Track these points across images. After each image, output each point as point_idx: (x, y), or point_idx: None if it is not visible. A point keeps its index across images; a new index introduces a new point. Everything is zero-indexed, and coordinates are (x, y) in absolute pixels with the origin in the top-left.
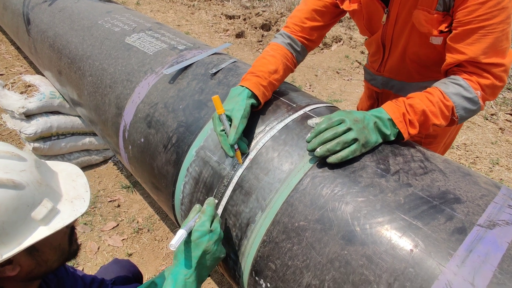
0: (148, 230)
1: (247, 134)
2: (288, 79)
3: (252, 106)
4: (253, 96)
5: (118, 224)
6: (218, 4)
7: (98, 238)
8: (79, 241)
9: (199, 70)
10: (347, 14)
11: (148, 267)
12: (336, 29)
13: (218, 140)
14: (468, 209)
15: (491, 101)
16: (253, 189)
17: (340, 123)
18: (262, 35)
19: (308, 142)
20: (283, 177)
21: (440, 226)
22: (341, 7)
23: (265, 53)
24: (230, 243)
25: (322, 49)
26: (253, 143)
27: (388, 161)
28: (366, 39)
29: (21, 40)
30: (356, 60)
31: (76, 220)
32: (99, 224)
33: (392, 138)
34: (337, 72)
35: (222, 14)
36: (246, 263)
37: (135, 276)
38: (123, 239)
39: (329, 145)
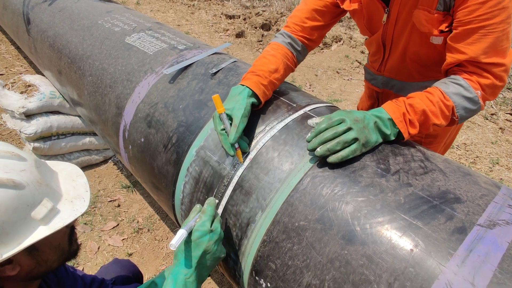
0: (148, 230)
1: (247, 133)
2: (288, 79)
3: (253, 105)
4: (254, 95)
5: (118, 224)
6: (218, 4)
7: (98, 238)
8: (79, 241)
9: (199, 70)
10: (347, 14)
11: (148, 267)
12: (336, 29)
13: (218, 139)
14: (468, 208)
15: (491, 101)
16: (253, 189)
17: (340, 123)
18: (262, 35)
19: (308, 141)
20: (283, 177)
21: (440, 225)
22: (341, 6)
23: (265, 52)
24: (230, 243)
25: (322, 49)
26: (253, 143)
27: (388, 160)
28: (366, 38)
29: (21, 39)
30: (356, 60)
31: (76, 220)
32: (99, 224)
33: (392, 138)
34: (337, 72)
35: (222, 14)
36: (246, 263)
37: (135, 276)
38: (123, 239)
39: (329, 145)
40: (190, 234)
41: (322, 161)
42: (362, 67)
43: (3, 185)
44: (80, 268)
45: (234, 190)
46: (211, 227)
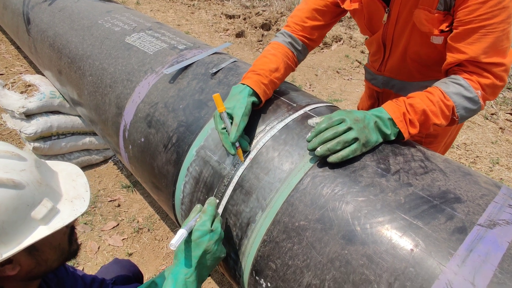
0: (149, 230)
1: (248, 133)
2: (288, 79)
3: (253, 104)
4: (254, 94)
5: (118, 224)
6: (218, 4)
7: (99, 238)
8: (79, 240)
9: (199, 69)
10: (348, 14)
11: (148, 267)
12: (336, 29)
13: (218, 139)
14: (469, 208)
15: (491, 101)
16: (253, 188)
17: (340, 123)
18: (262, 35)
19: (309, 141)
20: (284, 177)
21: (441, 225)
22: (342, 6)
23: (266, 51)
24: (230, 242)
25: (322, 48)
26: (253, 143)
27: (388, 160)
28: (366, 38)
29: (21, 39)
30: (356, 60)
31: (76, 220)
32: (99, 224)
33: (393, 137)
34: (337, 71)
35: (222, 13)
36: (247, 263)
37: (136, 276)
38: (123, 239)
39: (329, 145)
40: (190, 234)
41: (322, 161)
42: (362, 67)
43: (3, 185)
44: (80, 268)
45: (234, 190)
46: (211, 227)
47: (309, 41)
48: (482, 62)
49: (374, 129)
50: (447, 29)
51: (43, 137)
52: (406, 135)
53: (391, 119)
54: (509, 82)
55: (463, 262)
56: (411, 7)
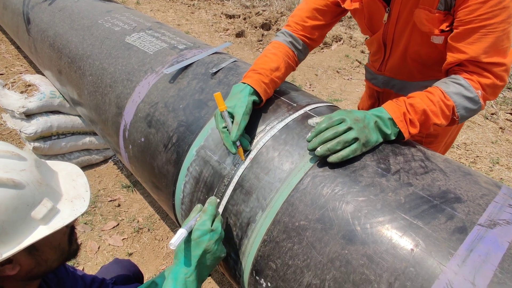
0: (149, 230)
1: (248, 133)
2: (288, 79)
3: (254, 103)
4: (255, 93)
5: (118, 224)
6: (218, 4)
7: (99, 238)
8: (79, 240)
9: (199, 69)
10: (348, 13)
11: (148, 267)
12: (336, 29)
13: (218, 139)
14: (469, 208)
15: (491, 101)
16: (253, 188)
17: (340, 123)
18: (262, 35)
19: (309, 141)
20: (284, 177)
21: (441, 225)
22: (342, 6)
23: (266, 51)
24: (230, 242)
25: (322, 48)
26: (253, 143)
27: (388, 160)
28: (367, 38)
29: (21, 39)
30: (356, 60)
31: (76, 219)
32: (99, 224)
33: (393, 137)
34: (337, 71)
35: (222, 13)
36: (247, 263)
37: (136, 275)
38: (124, 239)
39: (329, 145)
40: (190, 233)
41: (322, 161)
42: (362, 66)
43: (3, 184)
44: (80, 267)
45: (234, 189)
46: (211, 226)
47: (309, 41)
48: (482, 62)
49: (374, 129)
50: (448, 29)
51: (43, 137)
52: (406, 135)
53: (391, 119)
54: (509, 82)
55: (463, 262)
56: (411, 6)
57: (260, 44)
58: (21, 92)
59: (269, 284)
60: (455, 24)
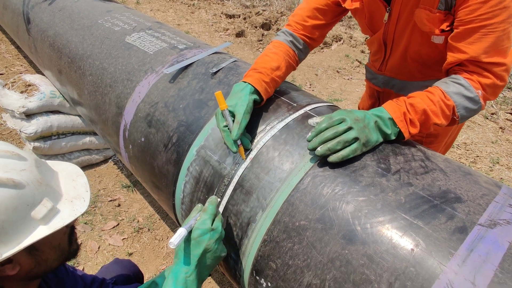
0: (149, 230)
1: (248, 132)
2: (288, 78)
3: (255, 102)
4: (256, 92)
5: (118, 224)
6: (218, 3)
7: (99, 238)
8: (79, 240)
9: (199, 69)
10: (348, 13)
11: (148, 267)
12: (336, 28)
13: (219, 139)
14: (469, 208)
15: (492, 100)
16: (253, 188)
17: (340, 122)
18: (262, 34)
19: (309, 141)
20: (284, 177)
21: (441, 225)
22: (343, 5)
23: (267, 50)
24: (230, 242)
25: (322, 48)
26: (254, 143)
27: (389, 160)
28: (367, 38)
29: (21, 39)
30: (357, 59)
31: (76, 219)
32: (99, 224)
33: (393, 137)
34: (337, 71)
35: (222, 13)
36: (247, 263)
37: (136, 275)
38: (124, 239)
39: (329, 144)
40: (191, 232)
41: (322, 161)
42: (362, 66)
43: (3, 184)
44: (80, 267)
45: (234, 189)
46: (212, 225)
47: (310, 40)
48: (482, 61)
49: (374, 129)
50: (448, 28)
51: (43, 136)
52: (406, 135)
53: (391, 119)
54: (510, 82)
55: (463, 262)
56: (412, 6)
57: (260, 44)
58: (21, 92)
59: (269, 284)
60: (456, 24)
